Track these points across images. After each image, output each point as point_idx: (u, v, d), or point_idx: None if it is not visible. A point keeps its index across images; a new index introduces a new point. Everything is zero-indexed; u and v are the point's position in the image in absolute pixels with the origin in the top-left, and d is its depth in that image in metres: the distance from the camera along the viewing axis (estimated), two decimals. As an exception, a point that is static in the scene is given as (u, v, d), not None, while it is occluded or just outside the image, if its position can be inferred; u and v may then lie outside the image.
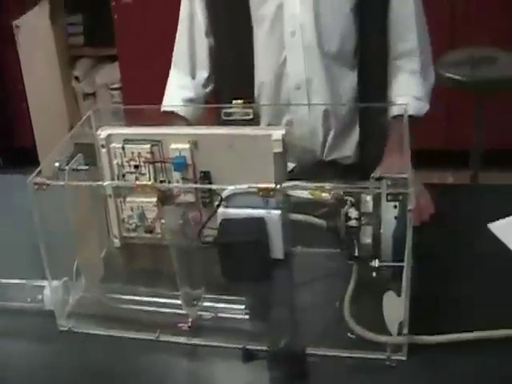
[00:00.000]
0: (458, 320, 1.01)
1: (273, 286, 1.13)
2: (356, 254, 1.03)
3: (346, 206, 1.02)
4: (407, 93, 1.48)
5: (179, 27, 1.57)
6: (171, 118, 1.51)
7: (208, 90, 1.59)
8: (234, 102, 1.15)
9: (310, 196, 1.07)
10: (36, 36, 3.43)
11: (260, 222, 1.10)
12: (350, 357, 0.96)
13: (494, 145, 2.64)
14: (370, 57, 1.48)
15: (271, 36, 1.45)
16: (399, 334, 0.94)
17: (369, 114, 1.49)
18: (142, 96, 3.39)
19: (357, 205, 1.02)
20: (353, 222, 1.02)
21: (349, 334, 0.99)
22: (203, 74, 1.58)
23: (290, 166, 1.48)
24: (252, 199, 1.08)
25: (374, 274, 1.00)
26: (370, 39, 1.46)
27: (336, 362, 0.96)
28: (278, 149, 1.09)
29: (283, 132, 1.10)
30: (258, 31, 1.46)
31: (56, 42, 3.61)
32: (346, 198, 1.02)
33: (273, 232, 1.11)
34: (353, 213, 1.02)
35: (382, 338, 0.96)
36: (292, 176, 1.29)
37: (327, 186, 1.03)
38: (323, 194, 1.05)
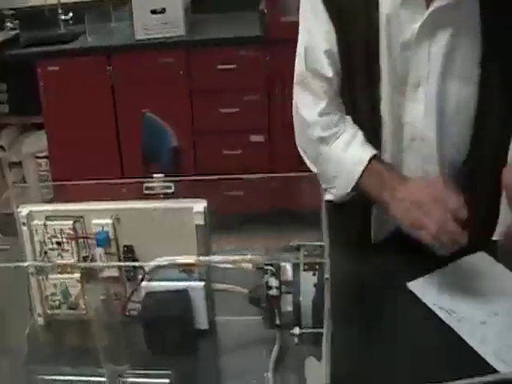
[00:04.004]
0: (381, 382, 1.03)
1: (198, 357, 1.13)
2: (277, 322, 1.05)
3: (267, 275, 1.05)
4: None
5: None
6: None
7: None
8: (154, 176, 1.16)
9: (231, 266, 1.09)
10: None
11: (183, 294, 1.11)
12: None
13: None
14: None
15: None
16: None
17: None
18: (69, 163, 3.41)
19: (277, 273, 1.05)
20: (273, 291, 1.04)
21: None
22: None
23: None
24: (176, 271, 1.10)
25: (296, 340, 1.02)
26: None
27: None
28: (200, 221, 1.11)
29: (205, 204, 1.12)
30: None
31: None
32: (267, 267, 1.05)
33: (197, 303, 1.12)
34: (273, 282, 1.04)
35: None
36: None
37: (247, 257, 1.05)
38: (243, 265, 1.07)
